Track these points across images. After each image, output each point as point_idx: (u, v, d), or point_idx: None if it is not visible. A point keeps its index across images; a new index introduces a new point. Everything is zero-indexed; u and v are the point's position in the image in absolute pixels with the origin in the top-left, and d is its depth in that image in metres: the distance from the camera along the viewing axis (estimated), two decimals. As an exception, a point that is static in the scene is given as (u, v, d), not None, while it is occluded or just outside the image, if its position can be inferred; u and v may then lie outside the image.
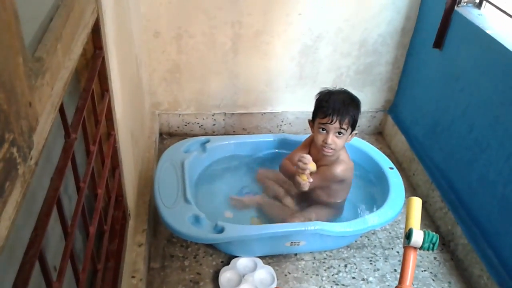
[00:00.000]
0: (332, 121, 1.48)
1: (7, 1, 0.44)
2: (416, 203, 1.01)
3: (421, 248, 0.94)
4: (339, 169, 1.54)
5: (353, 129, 1.53)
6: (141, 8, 1.78)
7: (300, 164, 1.47)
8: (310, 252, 1.61)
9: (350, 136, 1.55)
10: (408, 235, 0.95)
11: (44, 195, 0.64)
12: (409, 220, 0.98)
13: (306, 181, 1.49)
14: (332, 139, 1.50)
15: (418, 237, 0.94)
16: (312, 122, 1.58)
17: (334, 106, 1.48)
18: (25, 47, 0.50)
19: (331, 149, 1.51)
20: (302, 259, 1.59)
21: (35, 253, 0.56)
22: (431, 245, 0.93)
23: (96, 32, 0.90)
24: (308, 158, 1.48)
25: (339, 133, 1.50)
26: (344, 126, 1.48)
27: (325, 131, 1.51)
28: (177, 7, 1.80)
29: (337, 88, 1.59)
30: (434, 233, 0.94)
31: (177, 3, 1.80)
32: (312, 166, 1.50)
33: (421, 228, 0.97)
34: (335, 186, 1.60)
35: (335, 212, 1.65)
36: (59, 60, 0.64)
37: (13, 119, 0.46)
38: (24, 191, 0.49)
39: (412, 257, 0.94)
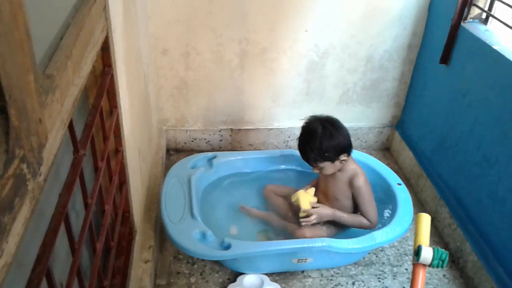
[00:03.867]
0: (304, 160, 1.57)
1: (20, 21, 0.45)
2: (425, 219, 1.00)
3: (430, 265, 0.93)
4: (360, 180, 1.56)
5: (332, 158, 1.52)
6: (149, 27, 1.80)
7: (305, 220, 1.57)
8: (318, 269, 1.59)
9: (338, 162, 1.54)
10: (417, 252, 0.94)
11: (52, 210, 0.65)
12: (418, 237, 0.97)
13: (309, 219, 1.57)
14: (315, 170, 1.58)
15: (427, 254, 0.92)
16: None
17: (300, 149, 1.57)
18: (36, 64, 0.51)
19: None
20: (309, 276, 1.57)
21: (42, 270, 0.56)
22: (441, 262, 0.92)
23: (105, 50, 0.92)
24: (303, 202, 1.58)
25: (317, 167, 1.56)
26: (313, 164, 1.55)
27: None
28: (185, 25, 1.83)
29: (315, 117, 1.57)
30: (444, 250, 0.93)
31: (185, 22, 1.82)
32: (304, 205, 1.57)
33: (430, 245, 0.96)
34: (347, 198, 1.59)
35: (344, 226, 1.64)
36: (69, 78, 0.65)
37: (24, 136, 0.46)
38: (33, 207, 0.49)
39: (421, 274, 0.93)
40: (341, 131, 1.53)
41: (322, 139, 1.50)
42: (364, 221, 1.58)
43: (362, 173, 1.58)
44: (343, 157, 1.53)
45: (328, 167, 1.54)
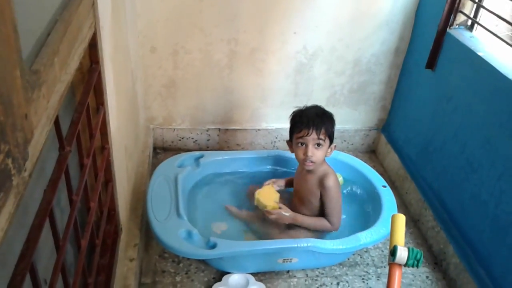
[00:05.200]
0: (308, 133, 1.50)
1: (7, 15, 0.45)
2: (400, 220, 1.01)
3: (405, 264, 0.94)
4: (331, 180, 1.55)
5: (331, 142, 1.55)
6: (138, 24, 1.80)
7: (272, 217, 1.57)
8: (303, 270, 1.60)
9: (329, 150, 1.56)
10: (393, 252, 0.95)
11: (36, 207, 0.64)
12: (394, 237, 0.99)
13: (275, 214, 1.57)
14: (312, 151, 1.51)
15: (402, 254, 0.94)
16: (290, 141, 1.61)
17: (308, 118, 1.52)
18: (23, 60, 0.51)
19: (312, 162, 1.53)
20: (295, 276, 1.58)
21: (26, 266, 0.56)
22: (416, 262, 0.93)
23: (93, 47, 0.91)
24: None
25: (318, 144, 1.52)
26: (322, 137, 1.51)
27: (303, 145, 1.53)
28: (174, 23, 1.82)
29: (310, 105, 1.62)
30: (418, 249, 0.94)
31: (174, 20, 1.82)
32: (267, 202, 1.59)
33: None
34: (318, 200, 1.60)
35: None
36: (55, 74, 0.65)
37: (9, 131, 0.46)
38: (17, 202, 0.49)
39: (397, 274, 0.95)
40: None
41: (332, 119, 1.56)
42: (326, 223, 1.58)
43: (333, 174, 1.58)
44: (332, 146, 1.56)
45: (325, 148, 1.53)
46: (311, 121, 1.51)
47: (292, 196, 1.71)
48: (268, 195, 1.62)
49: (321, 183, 1.56)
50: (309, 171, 1.58)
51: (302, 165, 1.57)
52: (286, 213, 1.58)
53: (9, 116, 0.46)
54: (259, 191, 1.64)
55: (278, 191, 1.67)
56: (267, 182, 1.72)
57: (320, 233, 1.61)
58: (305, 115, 1.54)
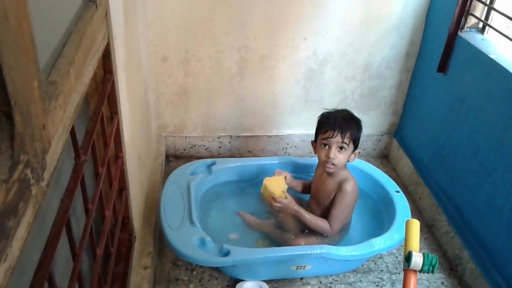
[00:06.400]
0: (333, 135, 1.50)
1: (26, 29, 0.46)
2: (415, 225, 1.00)
3: (421, 271, 0.93)
4: (349, 186, 1.55)
5: (355, 147, 1.54)
6: (149, 34, 1.81)
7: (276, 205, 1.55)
8: (316, 277, 1.60)
9: (353, 155, 1.55)
10: (408, 258, 0.94)
11: (53, 216, 0.65)
12: (408, 243, 0.98)
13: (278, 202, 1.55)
14: (334, 153, 1.51)
15: (418, 259, 0.93)
16: (314, 142, 1.60)
17: (335, 120, 1.51)
18: (40, 71, 0.52)
19: (333, 164, 1.52)
20: (308, 283, 1.57)
21: (44, 274, 0.56)
22: (431, 268, 0.92)
23: (106, 57, 0.93)
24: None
25: (341, 147, 1.51)
26: (346, 141, 1.50)
27: (327, 147, 1.53)
28: (184, 32, 1.84)
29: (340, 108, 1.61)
30: (433, 255, 0.93)
31: (184, 29, 1.83)
32: (276, 191, 1.57)
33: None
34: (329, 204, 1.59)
35: (339, 236, 1.64)
36: (71, 84, 0.66)
37: (28, 141, 0.47)
38: (36, 212, 0.50)
39: (412, 280, 0.94)
40: None
41: (359, 125, 1.55)
42: (326, 225, 1.57)
43: (354, 180, 1.57)
44: (356, 151, 1.54)
45: (348, 153, 1.52)
46: (337, 123, 1.50)
47: (309, 199, 1.70)
48: (277, 185, 1.60)
49: (340, 186, 1.56)
50: (330, 175, 1.57)
51: (323, 167, 1.56)
52: (292, 206, 1.55)
53: (28, 127, 0.47)
54: (268, 178, 1.63)
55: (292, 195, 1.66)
56: (278, 171, 1.69)
57: (332, 239, 1.60)
58: (333, 116, 1.53)
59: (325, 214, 1.61)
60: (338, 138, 1.50)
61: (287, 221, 1.66)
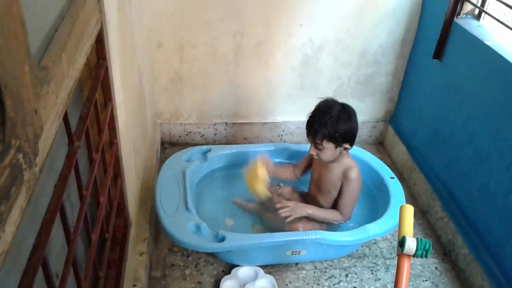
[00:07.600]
0: (308, 134, 1.53)
1: (15, 12, 0.45)
2: (408, 210, 1.01)
3: (414, 255, 0.94)
4: (354, 173, 1.56)
5: (338, 142, 1.51)
6: (144, 19, 1.80)
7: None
8: (311, 262, 1.61)
9: (340, 149, 1.53)
10: (402, 243, 0.95)
11: (47, 202, 0.65)
12: (402, 228, 0.99)
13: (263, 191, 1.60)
14: (313, 150, 1.54)
15: (411, 244, 0.94)
16: None
17: (311, 121, 1.52)
18: (31, 56, 0.51)
19: (318, 157, 1.55)
20: (303, 268, 1.59)
21: (38, 259, 0.57)
22: (425, 252, 0.93)
23: (99, 43, 0.92)
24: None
25: (316, 147, 1.52)
26: (318, 141, 1.50)
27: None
28: (179, 18, 1.83)
29: (334, 99, 1.57)
30: (427, 240, 0.94)
31: (179, 15, 1.82)
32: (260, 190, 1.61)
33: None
34: (337, 191, 1.60)
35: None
36: (63, 69, 0.65)
37: (20, 126, 0.47)
38: (28, 197, 0.50)
39: (406, 264, 0.94)
40: (355, 120, 1.53)
41: (338, 118, 1.49)
42: (338, 215, 1.59)
43: (357, 167, 1.58)
44: (346, 145, 1.53)
45: (329, 150, 1.52)
46: (309, 125, 1.53)
47: (310, 186, 1.71)
48: (255, 178, 1.61)
49: (345, 174, 1.56)
50: (332, 161, 1.57)
51: None
52: (301, 209, 1.57)
53: (19, 111, 0.47)
54: (246, 174, 1.64)
55: (299, 192, 1.69)
56: (259, 157, 1.67)
57: (329, 225, 1.62)
58: (312, 116, 1.53)
59: (329, 200, 1.62)
60: (311, 138, 1.53)
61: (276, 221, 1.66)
